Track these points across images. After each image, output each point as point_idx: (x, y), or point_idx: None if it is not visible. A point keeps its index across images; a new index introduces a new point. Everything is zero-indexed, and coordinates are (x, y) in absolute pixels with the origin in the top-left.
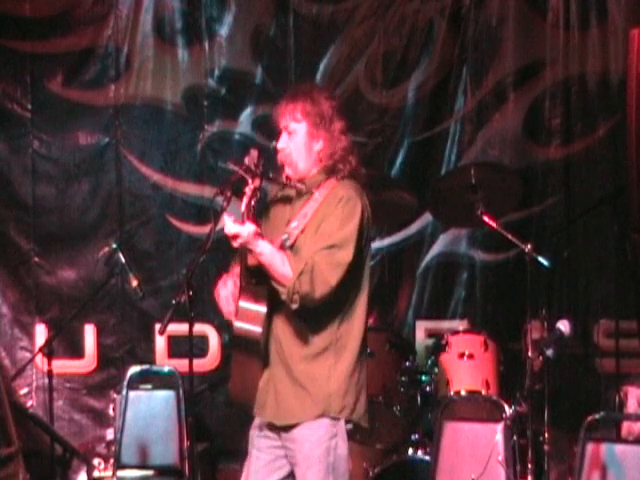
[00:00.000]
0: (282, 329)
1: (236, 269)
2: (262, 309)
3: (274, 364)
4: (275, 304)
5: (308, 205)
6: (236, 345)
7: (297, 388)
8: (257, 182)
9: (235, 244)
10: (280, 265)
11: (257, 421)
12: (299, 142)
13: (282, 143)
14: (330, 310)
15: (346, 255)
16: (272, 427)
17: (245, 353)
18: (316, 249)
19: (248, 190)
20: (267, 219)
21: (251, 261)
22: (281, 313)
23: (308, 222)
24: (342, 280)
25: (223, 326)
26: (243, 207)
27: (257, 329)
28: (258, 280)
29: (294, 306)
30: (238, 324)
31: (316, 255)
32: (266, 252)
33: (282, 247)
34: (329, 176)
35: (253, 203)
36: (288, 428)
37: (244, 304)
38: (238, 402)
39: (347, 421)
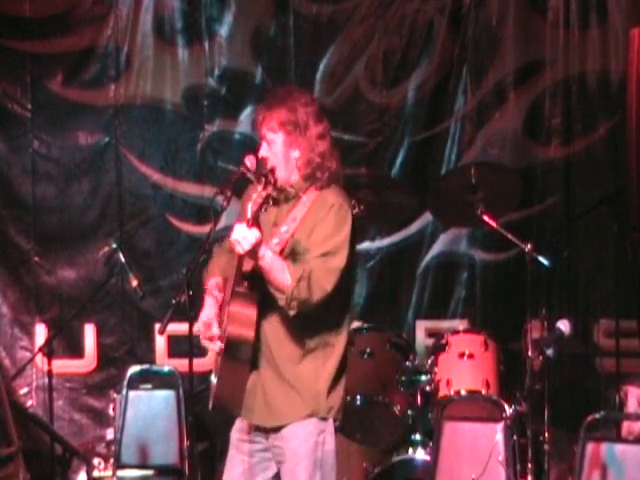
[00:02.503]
0: (271, 332)
1: (214, 279)
2: (253, 313)
3: (263, 367)
4: (264, 308)
5: (296, 209)
6: (226, 350)
7: (286, 388)
8: (269, 189)
9: (240, 249)
10: (280, 271)
11: (240, 424)
12: (278, 152)
13: (262, 152)
14: (320, 313)
15: (340, 261)
16: (259, 429)
17: (234, 358)
18: (310, 256)
19: (259, 197)
20: None
21: (247, 267)
22: (270, 317)
23: (297, 226)
24: (336, 286)
25: None
26: (249, 213)
27: (250, 333)
28: (251, 285)
29: (292, 312)
30: (230, 329)
31: (312, 262)
32: (268, 258)
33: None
34: (310, 184)
35: (263, 210)
36: (277, 429)
37: (236, 308)
38: (221, 407)
39: (334, 420)
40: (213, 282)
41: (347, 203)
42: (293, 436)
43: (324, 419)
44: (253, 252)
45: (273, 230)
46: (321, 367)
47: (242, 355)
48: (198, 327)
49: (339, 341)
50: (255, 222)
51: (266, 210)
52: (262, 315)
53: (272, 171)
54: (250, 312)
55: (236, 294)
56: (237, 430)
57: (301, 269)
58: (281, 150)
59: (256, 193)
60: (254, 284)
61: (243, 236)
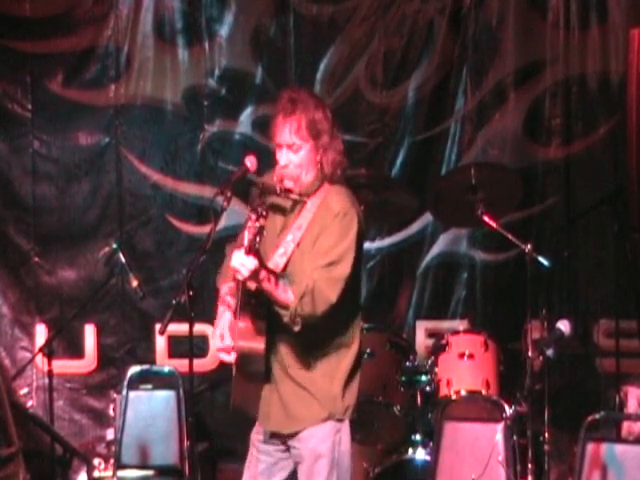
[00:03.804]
0: (283, 340)
1: (227, 285)
2: (262, 326)
3: (277, 375)
4: (274, 320)
5: (302, 216)
6: (238, 364)
7: (303, 393)
8: (262, 222)
9: (239, 276)
10: (282, 291)
11: (259, 427)
12: (305, 157)
13: (285, 160)
14: (330, 322)
15: (344, 270)
16: (276, 435)
17: (248, 371)
18: (314, 266)
19: (252, 227)
20: None
21: (251, 285)
22: (281, 327)
23: (303, 235)
24: (341, 294)
25: None
26: (246, 242)
27: (260, 345)
28: (257, 300)
29: (296, 328)
30: (240, 343)
31: (315, 273)
32: (269, 281)
33: (277, 264)
34: (323, 181)
35: (258, 239)
36: (294, 433)
37: (244, 324)
38: (240, 411)
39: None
40: (226, 288)
41: (353, 207)
42: (310, 437)
43: (340, 420)
44: (253, 278)
45: (279, 238)
46: (335, 368)
47: (254, 368)
48: (213, 338)
49: (352, 341)
50: (252, 251)
51: (261, 240)
52: (273, 324)
53: (263, 203)
54: (259, 325)
55: (244, 309)
56: (257, 431)
57: (304, 285)
58: (309, 156)
59: (250, 222)
60: (261, 299)
61: (241, 263)
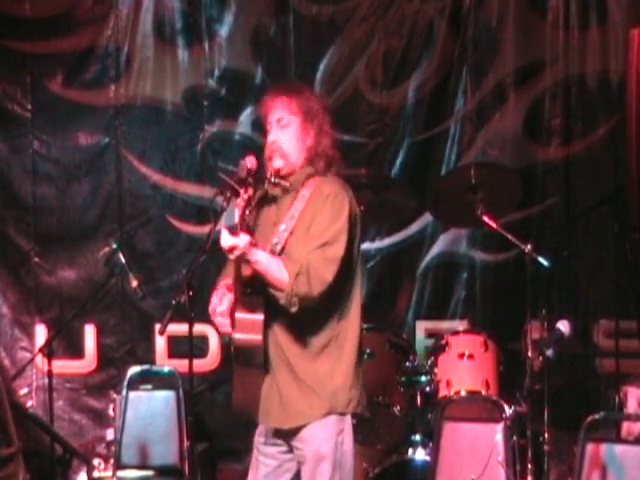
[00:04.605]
0: (281, 333)
1: (225, 281)
2: (259, 317)
3: (277, 369)
4: (272, 310)
5: (294, 206)
6: (236, 357)
7: (303, 388)
8: (250, 191)
9: (232, 257)
10: (276, 271)
11: (261, 428)
12: (292, 134)
13: (273, 136)
14: (327, 307)
15: (338, 250)
16: (278, 432)
17: (246, 364)
18: (309, 249)
19: (241, 201)
20: (254, 221)
21: (246, 272)
22: (279, 318)
23: (296, 223)
24: (337, 275)
25: None
26: (237, 218)
27: (257, 337)
28: (253, 289)
29: (293, 309)
30: (237, 335)
31: (309, 254)
32: (262, 260)
33: (273, 252)
34: (314, 172)
35: (247, 213)
36: (296, 430)
37: (241, 315)
38: (242, 412)
39: (352, 414)
40: (223, 283)
41: (344, 191)
42: (313, 438)
43: (342, 414)
44: (244, 256)
45: (274, 229)
46: (337, 362)
47: (253, 360)
48: (211, 307)
49: (352, 334)
50: (242, 227)
51: (251, 212)
52: (271, 317)
53: (250, 173)
54: (256, 316)
55: (240, 300)
56: (260, 433)
57: (298, 264)
58: (296, 133)
59: (240, 198)
60: (257, 288)
61: (233, 242)
